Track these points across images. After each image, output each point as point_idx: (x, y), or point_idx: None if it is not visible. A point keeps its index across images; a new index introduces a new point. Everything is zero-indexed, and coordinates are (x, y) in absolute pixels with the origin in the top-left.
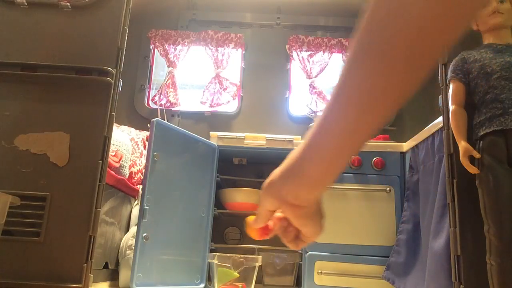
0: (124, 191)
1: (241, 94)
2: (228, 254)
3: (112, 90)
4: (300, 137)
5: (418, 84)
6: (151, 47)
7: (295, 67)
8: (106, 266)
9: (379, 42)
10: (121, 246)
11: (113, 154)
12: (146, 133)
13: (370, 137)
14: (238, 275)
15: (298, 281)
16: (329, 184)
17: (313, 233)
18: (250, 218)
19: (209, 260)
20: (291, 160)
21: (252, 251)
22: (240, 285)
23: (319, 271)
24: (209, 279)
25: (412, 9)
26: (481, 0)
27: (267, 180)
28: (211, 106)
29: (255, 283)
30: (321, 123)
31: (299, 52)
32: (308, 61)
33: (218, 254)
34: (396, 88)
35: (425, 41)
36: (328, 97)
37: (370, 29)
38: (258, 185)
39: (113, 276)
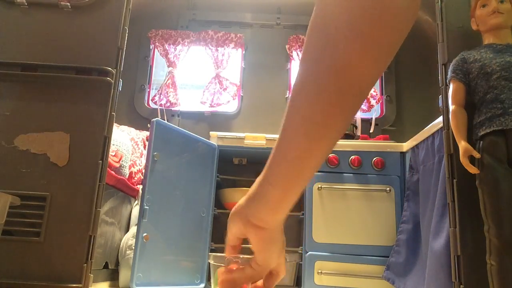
0: (124, 191)
1: (241, 94)
2: (223, 254)
3: (112, 90)
4: None
5: (356, 110)
6: (151, 47)
7: (295, 67)
8: (106, 266)
9: (313, 76)
10: (121, 246)
11: (113, 154)
12: (146, 133)
13: (323, 161)
14: None
15: (298, 281)
16: (290, 207)
17: (267, 260)
18: (222, 270)
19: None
20: (256, 184)
21: (252, 252)
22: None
23: (319, 271)
24: (209, 279)
25: (339, 47)
26: (400, 38)
27: (234, 206)
28: (211, 106)
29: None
30: (277, 150)
31: (299, 52)
32: None
33: (213, 254)
34: (336, 116)
35: (352, 74)
36: None
37: (306, 65)
38: None
39: (113, 276)
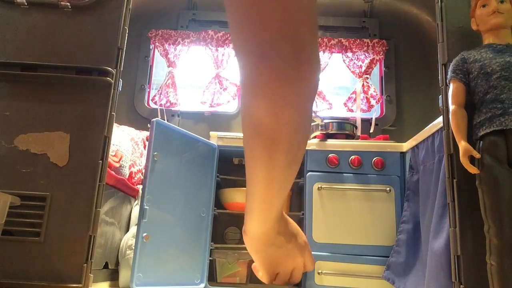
0: (124, 191)
1: None
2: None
3: (112, 90)
4: None
5: (294, 151)
6: (151, 47)
7: None
8: (106, 266)
9: (244, 123)
10: (121, 246)
11: (113, 154)
12: (146, 133)
13: (285, 191)
14: (239, 268)
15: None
16: (267, 221)
17: (260, 267)
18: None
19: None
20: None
21: None
22: (237, 278)
23: (319, 271)
24: (209, 279)
25: (252, 111)
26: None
27: None
28: (211, 106)
29: (256, 283)
30: (247, 183)
31: None
32: None
33: (219, 248)
34: (277, 161)
35: (266, 127)
36: (328, 97)
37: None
38: None
39: (113, 276)
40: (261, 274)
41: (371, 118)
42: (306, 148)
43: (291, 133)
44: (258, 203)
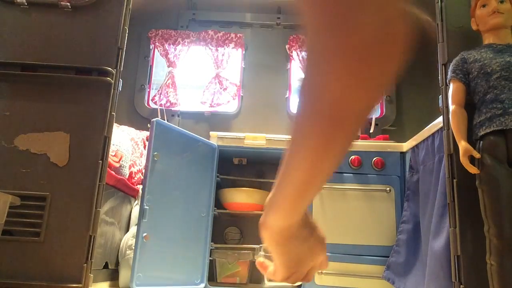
0: (124, 191)
1: (241, 94)
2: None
3: (112, 90)
4: None
5: (352, 138)
6: (151, 47)
7: (295, 67)
8: (106, 266)
9: (309, 113)
10: (121, 246)
11: (113, 154)
12: (146, 133)
13: (324, 183)
14: (239, 268)
15: None
16: (295, 215)
17: (279, 264)
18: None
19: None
20: (271, 194)
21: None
22: (237, 278)
23: (319, 271)
24: (209, 279)
25: (327, 87)
26: (391, 71)
27: None
28: (211, 106)
29: (256, 283)
30: (284, 169)
31: (299, 52)
32: None
33: (219, 248)
34: (334, 146)
35: (342, 109)
36: None
37: (303, 98)
38: (258, 185)
39: (113, 276)
40: (271, 270)
41: (371, 118)
42: None
43: (361, 119)
44: (293, 195)
